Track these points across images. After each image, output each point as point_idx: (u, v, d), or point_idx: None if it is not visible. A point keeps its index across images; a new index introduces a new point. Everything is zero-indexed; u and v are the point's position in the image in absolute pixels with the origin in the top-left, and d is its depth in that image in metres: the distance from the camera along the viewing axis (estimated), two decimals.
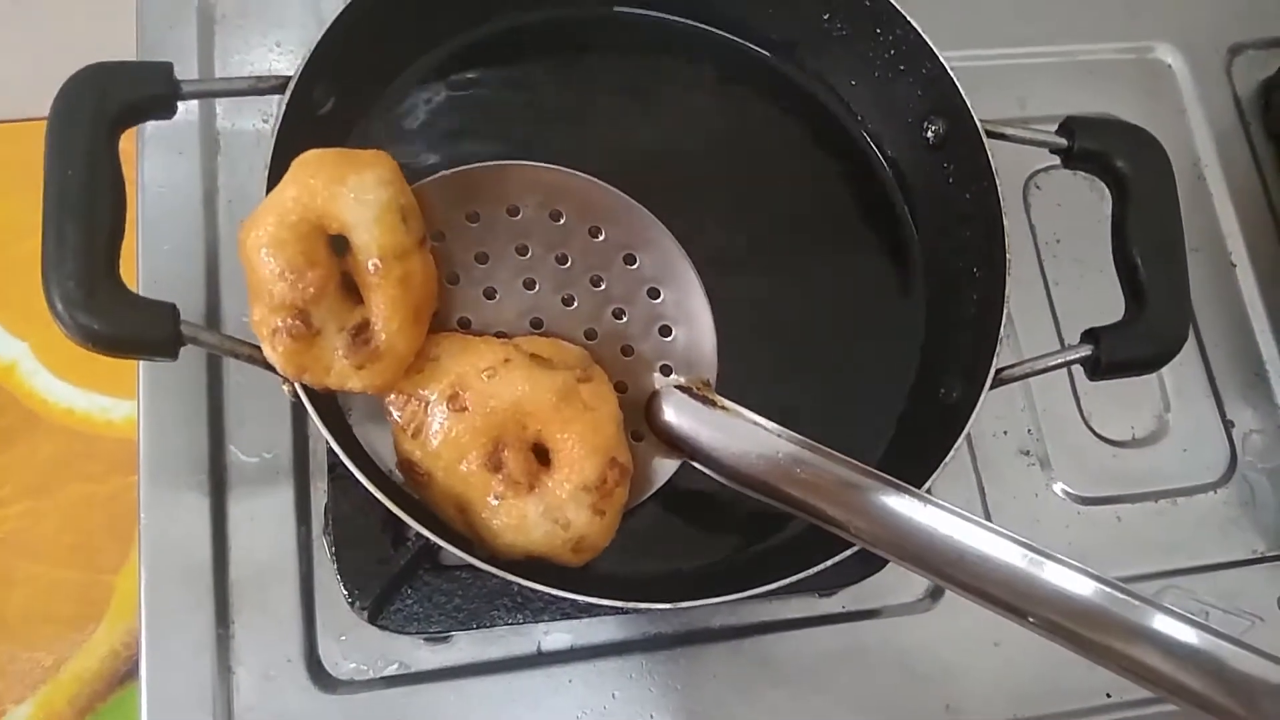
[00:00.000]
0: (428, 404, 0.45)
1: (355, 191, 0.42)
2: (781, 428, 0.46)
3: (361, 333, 0.44)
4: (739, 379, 0.53)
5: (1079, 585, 0.41)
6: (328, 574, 0.55)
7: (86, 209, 0.43)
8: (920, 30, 0.54)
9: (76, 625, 0.97)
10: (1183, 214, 0.53)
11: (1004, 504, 0.63)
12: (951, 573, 0.42)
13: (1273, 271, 0.72)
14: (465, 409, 0.45)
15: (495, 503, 0.45)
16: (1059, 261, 0.69)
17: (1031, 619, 0.41)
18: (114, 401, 1.04)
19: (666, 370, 0.49)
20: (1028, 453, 0.65)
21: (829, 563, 0.47)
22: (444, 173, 0.47)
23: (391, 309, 0.43)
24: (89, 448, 1.02)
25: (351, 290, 0.44)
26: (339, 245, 0.44)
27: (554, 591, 0.45)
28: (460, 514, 0.46)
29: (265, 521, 0.56)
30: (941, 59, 0.54)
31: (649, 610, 0.56)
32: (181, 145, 0.61)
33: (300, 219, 0.42)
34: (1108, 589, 0.41)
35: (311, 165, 0.43)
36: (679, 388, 0.48)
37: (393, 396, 0.46)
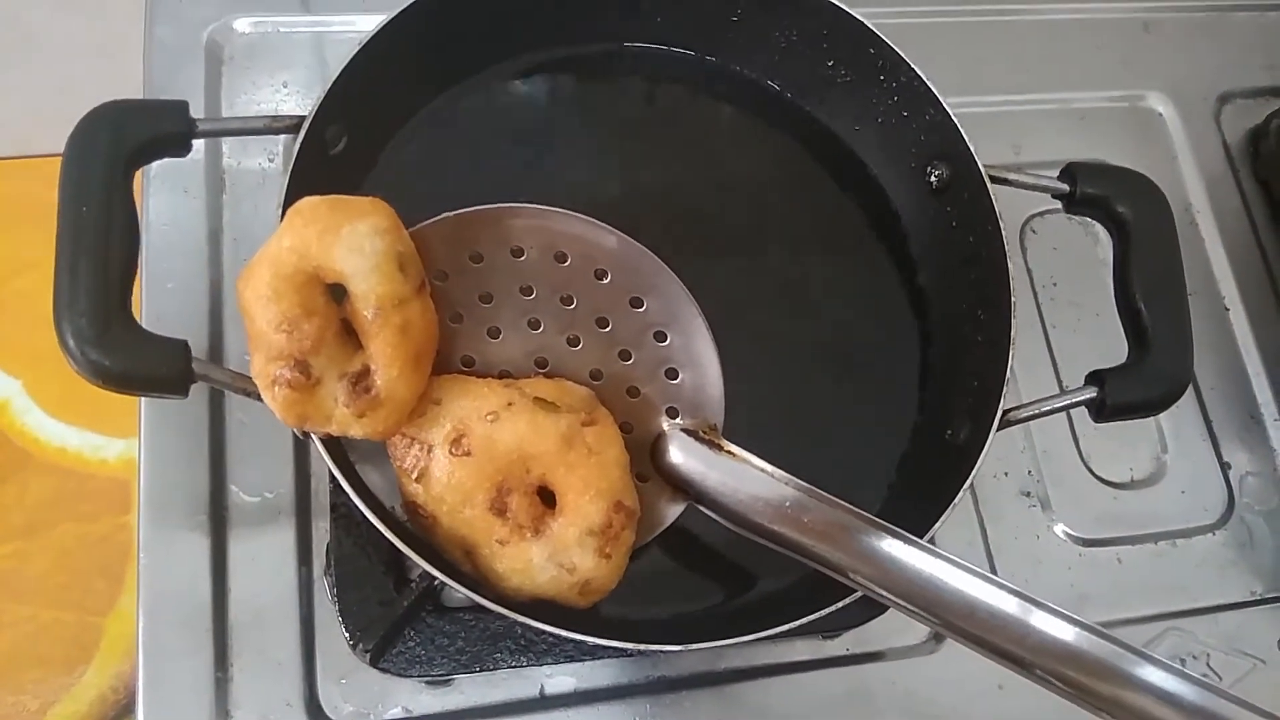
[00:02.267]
0: (430, 448, 0.45)
1: (351, 241, 0.41)
2: (787, 475, 0.46)
3: (361, 380, 0.43)
4: (745, 419, 0.53)
5: (1079, 638, 0.41)
6: (328, 616, 0.54)
7: (101, 246, 0.43)
8: (924, 77, 0.55)
9: (65, 668, 0.95)
10: None
11: (1006, 545, 0.63)
12: (956, 623, 0.42)
13: (1266, 314, 0.73)
14: (468, 453, 0.44)
15: (500, 547, 0.45)
16: (1056, 305, 0.70)
17: (1037, 671, 0.41)
18: (107, 440, 1.03)
19: (673, 413, 0.49)
20: (1028, 494, 0.65)
21: (834, 607, 0.47)
22: (445, 215, 0.46)
23: (391, 357, 0.43)
24: (81, 487, 1.01)
25: (351, 336, 0.44)
26: (337, 291, 0.43)
27: (560, 632, 0.45)
28: (466, 556, 0.46)
29: (266, 562, 0.55)
30: (945, 105, 0.55)
31: (655, 652, 0.55)
32: (187, 184, 0.62)
33: (296, 269, 0.41)
34: (1109, 643, 0.41)
35: (306, 214, 0.42)
36: (685, 430, 0.48)
37: (396, 440, 0.45)
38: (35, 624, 0.97)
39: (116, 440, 1.02)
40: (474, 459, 0.44)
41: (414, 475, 0.45)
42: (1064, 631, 0.41)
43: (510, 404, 0.45)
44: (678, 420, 0.48)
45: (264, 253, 0.42)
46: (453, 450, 0.44)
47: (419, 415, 0.45)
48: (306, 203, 0.42)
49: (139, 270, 0.59)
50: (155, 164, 0.60)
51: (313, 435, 0.45)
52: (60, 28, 0.99)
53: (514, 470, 0.45)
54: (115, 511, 1.00)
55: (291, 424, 0.44)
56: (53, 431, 1.02)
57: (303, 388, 0.42)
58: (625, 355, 0.48)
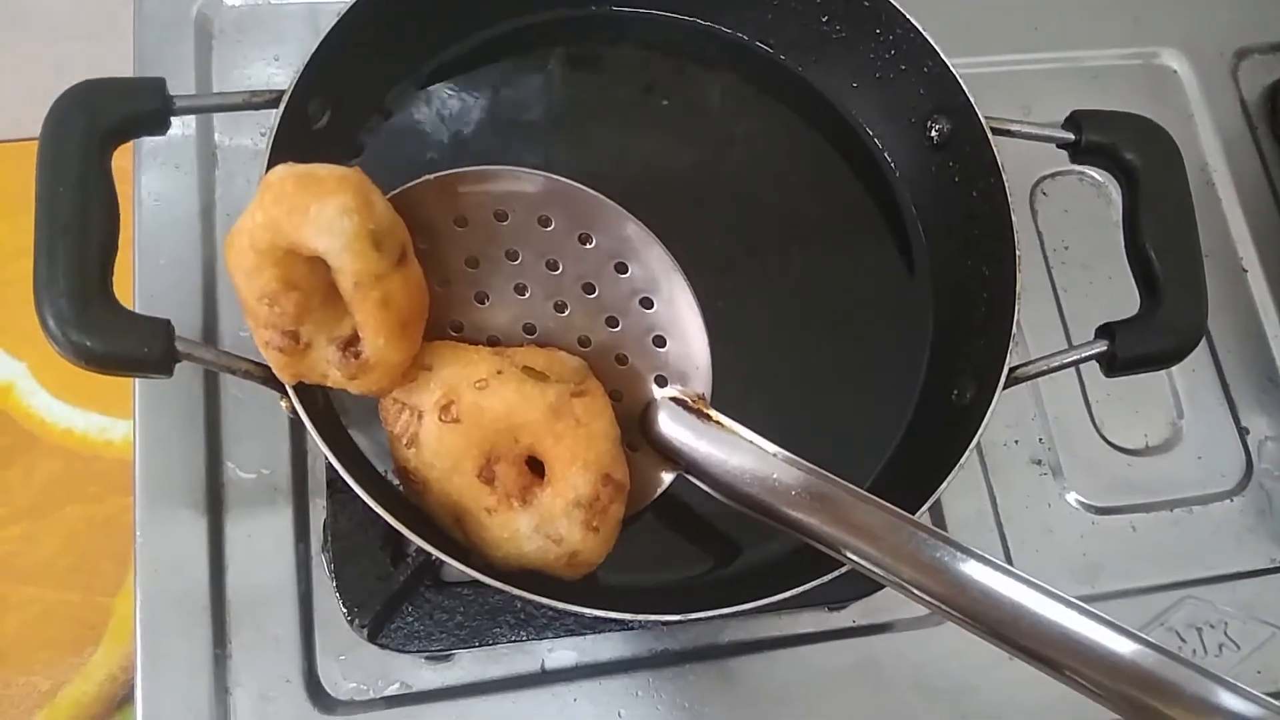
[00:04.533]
0: (421, 414, 0.45)
1: (319, 222, 0.40)
2: (775, 446, 0.45)
3: (351, 345, 0.43)
4: (746, 382, 0.53)
5: (1069, 619, 0.39)
6: (327, 592, 0.54)
7: (78, 226, 0.43)
8: (921, 29, 0.54)
9: (74, 649, 0.96)
10: None
11: (1016, 515, 0.62)
12: (946, 598, 0.41)
13: None
14: (457, 420, 0.44)
15: (488, 515, 0.44)
16: (1067, 268, 0.68)
17: (1021, 646, 0.40)
18: (112, 421, 1.03)
19: (661, 381, 0.48)
20: (1039, 462, 0.64)
21: (837, 573, 0.46)
22: (427, 177, 0.46)
23: (376, 327, 0.42)
24: (87, 468, 1.02)
25: (341, 298, 0.43)
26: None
27: (558, 605, 0.44)
28: (457, 523, 0.45)
29: (263, 539, 0.55)
30: (943, 56, 0.53)
31: (655, 623, 0.55)
32: (179, 160, 0.61)
33: (272, 245, 0.40)
34: (1093, 621, 0.39)
35: (274, 191, 0.40)
36: (673, 399, 0.47)
37: (386, 405, 0.45)
38: (43, 605, 0.97)
39: (122, 421, 1.02)
40: (462, 426, 0.44)
41: (405, 440, 0.45)
42: (1048, 609, 0.39)
43: (499, 372, 0.45)
44: (667, 388, 0.47)
45: (240, 225, 0.41)
46: (442, 417, 0.44)
47: (410, 380, 0.45)
48: (275, 176, 0.41)
49: (132, 247, 0.59)
50: (147, 141, 0.61)
51: (304, 418, 0.44)
52: (50, 8, 0.99)
53: (502, 439, 0.44)
54: (122, 492, 1.00)
55: (288, 382, 0.44)
56: (59, 413, 1.02)
57: (294, 352, 0.43)
58: (612, 322, 0.48)
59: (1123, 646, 0.38)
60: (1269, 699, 0.37)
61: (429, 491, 0.45)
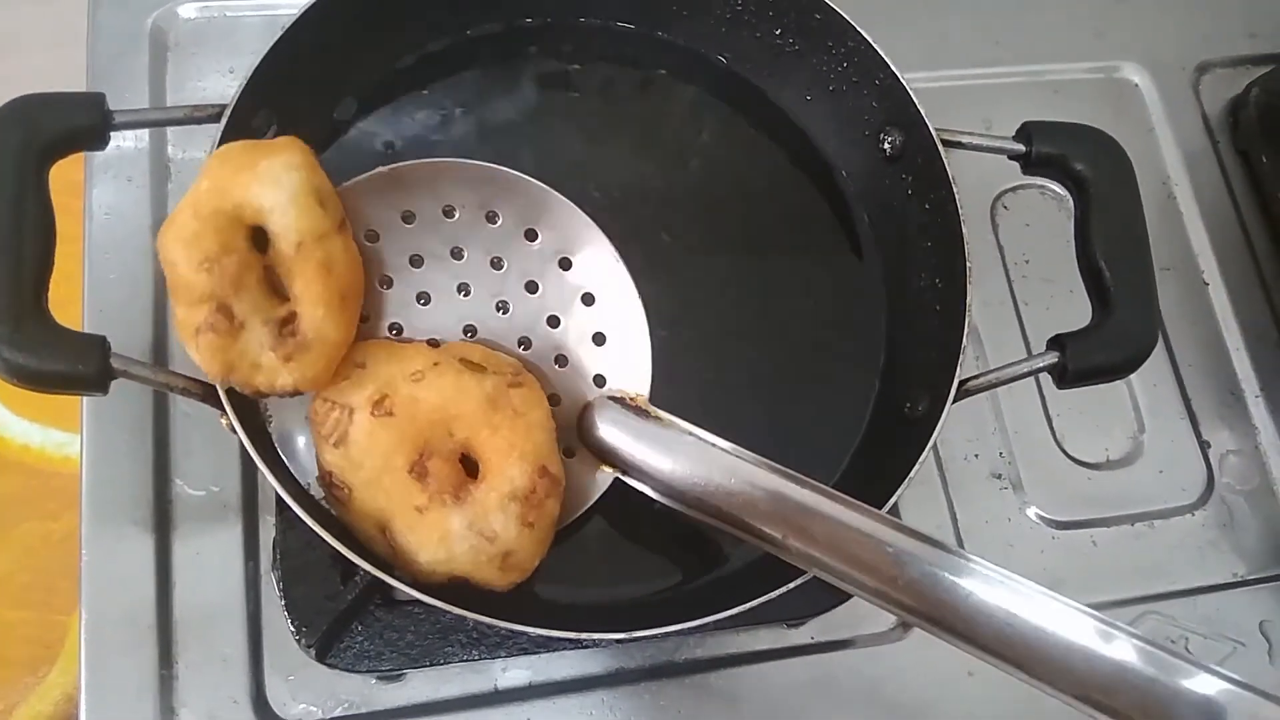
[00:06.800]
0: (352, 411, 0.44)
1: (267, 176, 0.41)
2: (717, 438, 0.44)
3: (288, 324, 0.43)
4: (699, 391, 0.52)
5: (1058, 618, 0.39)
6: (276, 611, 0.53)
7: (12, 243, 0.42)
8: (872, 42, 0.54)
9: (29, 668, 0.95)
10: (1153, 233, 0.52)
11: (976, 528, 0.62)
12: (917, 604, 0.40)
13: (1246, 289, 0.71)
14: (390, 414, 0.44)
15: (418, 515, 0.43)
16: (1028, 281, 0.68)
17: (998, 656, 0.39)
18: (70, 437, 1.02)
19: (600, 381, 0.48)
20: (1000, 476, 0.63)
21: (789, 587, 0.45)
22: (379, 169, 0.46)
23: (317, 294, 0.42)
24: (45, 484, 1.00)
25: (276, 289, 0.43)
26: (260, 244, 0.43)
27: (503, 624, 0.44)
28: (381, 532, 0.44)
29: (211, 557, 0.54)
30: (894, 69, 0.53)
31: (604, 641, 0.54)
32: (131, 172, 0.60)
33: (216, 210, 0.41)
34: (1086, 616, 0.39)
35: (222, 156, 0.43)
36: (611, 398, 0.47)
37: (317, 404, 0.45)
38: None
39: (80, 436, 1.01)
40: (396, 420, 0.44)
41: (333, 441, 0.44)
42: (1034, 609, 0.39)
43: (436, 364, 0.45)
44: (606, 388, 0.47)
45: (182, 202, 0.42)
46: (374, 412, 0.44)
47: (343, 379, 0.45)
48: (224, 147, 0.43)
49: (81, 261, 0.58)
50: (98, 153, 0.60)
51: (243, 438, 0.44)
52: (7, 19, 0.98)
53: (437, 432, 0.44)
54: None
55: (217, 375, 0.43)
56: (16, 429, 1.01)
57: (226, 332, 0.42)
58: (554, 321, 0.48)
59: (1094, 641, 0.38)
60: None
61: (353, 498, 0.44)
